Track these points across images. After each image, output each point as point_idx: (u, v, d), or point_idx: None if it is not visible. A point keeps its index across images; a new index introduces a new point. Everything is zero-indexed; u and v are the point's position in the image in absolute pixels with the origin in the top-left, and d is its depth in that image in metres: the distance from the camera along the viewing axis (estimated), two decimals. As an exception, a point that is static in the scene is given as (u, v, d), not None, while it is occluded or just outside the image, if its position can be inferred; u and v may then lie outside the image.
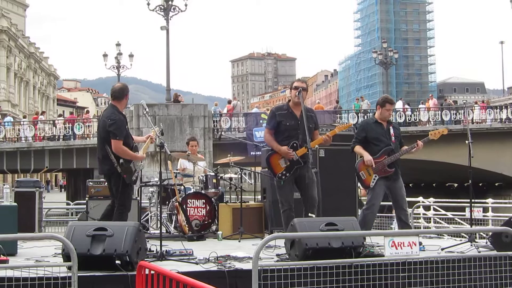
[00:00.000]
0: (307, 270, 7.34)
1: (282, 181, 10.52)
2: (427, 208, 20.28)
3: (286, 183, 10.54)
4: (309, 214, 10.16)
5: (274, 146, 10.62)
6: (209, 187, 13.62)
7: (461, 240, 11.39)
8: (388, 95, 11.83)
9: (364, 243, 9.50)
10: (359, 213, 13.30)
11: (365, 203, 11.65)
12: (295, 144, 10.44)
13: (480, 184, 47.15)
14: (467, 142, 11.53)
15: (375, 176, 11.16)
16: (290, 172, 10.47)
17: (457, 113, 44.12)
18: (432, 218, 19.90)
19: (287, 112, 10.69)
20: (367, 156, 11.13)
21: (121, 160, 10.09)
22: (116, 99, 10.51)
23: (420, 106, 48.55)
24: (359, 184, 12.38)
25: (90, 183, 14.02)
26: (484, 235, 12.24)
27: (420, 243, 9.18)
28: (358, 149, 11.39)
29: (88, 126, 41.89)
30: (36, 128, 41.68)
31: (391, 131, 11.42)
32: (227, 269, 8.41)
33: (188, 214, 12.79)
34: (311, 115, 10.79)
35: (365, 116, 41.57)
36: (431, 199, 21.24)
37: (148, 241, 9.75)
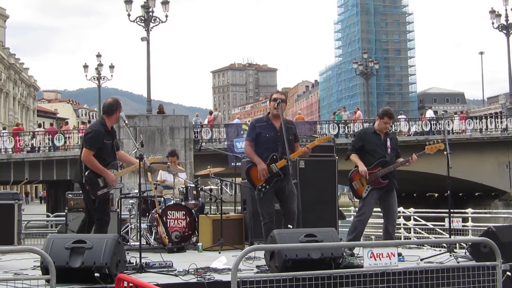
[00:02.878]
0: (286, 282, 7.33)
1: (262, 193, 10.53)
2: (407, 218, 20.37)
3: (267, 195, 10.52)
4: (288, 226, 10.17)
5: (254, 159, 10.62)
6: (189, 198, 13.61)
7: (440, 251, 11.42)
8: (390, 108, 11.77)
9: (344, 253, 9.53)
10: (339, 224, 13.38)
11: (357, 210, 11.71)
12: (274, 156, 10.44)
13: (460, 194, 47.31)
14: (445, 152, 11.57)
15: (368, 187, 11.23)
16: (270, 184, 10.46)
17: (437, 123, 44.24)
18: (412, 228, 19.97)
19: (267, 124, 10.70)
20: (362, 167, 11.17)
21: (87, 172, 10.15)
22: (105, 114, 10.61)
23: (400, 116, 48.72)
24: (339, 194, 12.41)
25: (70, 195, 13.98)
26: (464, 245, 12.30)
27: (400, 254, 9.20)
28: (354, 158, 11.40)
29: (69, 137, 41.67)
30: (16, 140, 41.43)
31: (388, 142, 11.47)
32: (206, 281, 8.40)
33: (168, 225, 12.77)
34: (291, 127, 10.80)
35: (346, 127, 41.74)
36: (411, 209, 21.33)
37: (127, 253, 9.74)
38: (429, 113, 47.94)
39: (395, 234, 17.04)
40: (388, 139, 11.52)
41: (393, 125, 44.67)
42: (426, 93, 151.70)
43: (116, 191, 12.28)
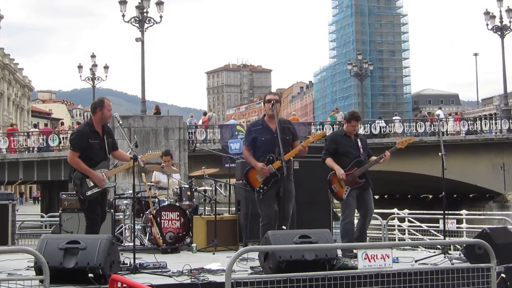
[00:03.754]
0: (280, 283, 7.33)
1: (261, 195, 10.52)
2: (401, 219, 20.36)
3: (266, 197, 10.52)
4: (282, 227, 10.15)
5: (251, 162, 10.64)
6: (183, 199, 13.59)
7: (435, 252, 11.42)
8: (356, 111, 12.15)
9: (346, 255, 9.56)
10: (333, 225, 13.38)
11: (340, 215, 11.78)
12: (271, 158, 10.43)
13: (455, 196, 47.36)
14: (440, 154, 11.59)
15: (347, 188, 11.43)
16: (268, 185, 10.45)
17: (432, 125, 44.28)
18: (406, 230, 19.97)
19: (262, 127, 10.72)
20: (339, 170, 11.38)
21: (75, 172, 10.33)
22: (91, 113, 10.61)
23: (394, 117, 48.79)
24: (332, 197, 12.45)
25: (64, 195, 13.94)
26: (458, 247, 12.30)
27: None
28: (329, 161, 11.62)
29: (63, 138, 41.58)
30: (10, 140, 41.36)
31: (359, 143, 11.71)
32: (200, 282, 8.39)
33: (162, 226, 12.75)
34: (288, 127, 10.80)
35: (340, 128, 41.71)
36: (406, 211, 21.32)
37: (121, 254, 9.71)
38: (439, 113, 48.02)
39: (389, 236, 17.12)
40: (358, 140, 11.77)
41: (387, 126, 44.82)
42: (420, 94, 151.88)
43: (110, 192, 12.25)
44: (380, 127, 44.40)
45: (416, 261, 10.42)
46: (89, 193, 10.24)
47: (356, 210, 11.78)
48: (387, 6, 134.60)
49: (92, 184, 10.24)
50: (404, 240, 19.14)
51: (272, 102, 10.53)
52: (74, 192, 10.69)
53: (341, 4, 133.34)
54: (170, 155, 15.20)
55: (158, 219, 12.72)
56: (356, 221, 12.04)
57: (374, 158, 11.71)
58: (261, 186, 10.48)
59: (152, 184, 14.65)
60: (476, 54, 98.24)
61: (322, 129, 42.72)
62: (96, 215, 10.39)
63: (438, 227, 17.49)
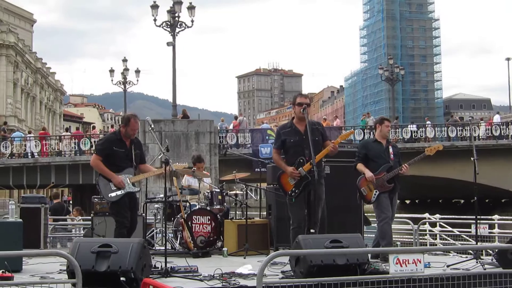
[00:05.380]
0: (311, 287, 7.32)
1: (293, 199, 10.52)
2: (433, 224, 20.22)
3: (297, 201, 10.52)
4: (311, 231, 10.13)
5: (281, 166, 10.69)
6: (214, 203, 13.60)
7: (467, 257, 11.35)
8: (384, 115, 12.38)
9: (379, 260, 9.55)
10: (364, 230, 13.38)
11: (374, 219, 11.91)
12: (301, 160, 10.43)
13: (487, 201, 47.09)
14: (472, 159, 11.55)
15: (376, 192, 11.64)
16: (299, 188, 10.44)
17: (463, 130, 44.05)
18: (438, 235, 19.84)
19: (291, 129, 10.73)
20: (369, 173, 11.64)
21: (99, 175, 10.90)
22: (122, 124, 11.08)
23: (426, 122, 48.58)
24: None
25: (96, 199, 13.98)
26: (490, 252, 12.21)
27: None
28: (360, 166, 11.87)
29: (95, 141, 41.79)
30: (42, 144, 41.67)
31: (390, 149, 11.94)
32: (231, 286, 8.40)
33: (193, 230, 12.76)
34: (317, 128, 10.78)
35: (371, 133, 41.59)
36: (437, 216, 21.17)
37: (153, 258, 9.77)
38: (496, 118, 47.87)
39: (420, 240, 17.05)
40: (390, 147, 12.02)
41: (418, 131, 44.64)
42: (452, 99, 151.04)
43: (141, 196, 12.34)
44: (412, 131, 44.26)
45: (448, 266, 10.35)
46: (111, 195, 10.55)
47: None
48: (419, 11, 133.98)
49: (114, 187, 10.50)
50: (436, 245, 19.02)
51: (304, 105, 10.56)
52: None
53: (372, 8, 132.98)
54: (203, 161, 15.20)
55: (189, 223, 12.74)
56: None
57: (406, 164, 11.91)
58: (293, 189, 10.49)
59: (184, 188, 14.67)
60: (508, 59, 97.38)
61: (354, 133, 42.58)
62: (123, 217, 10.60)
63: (470, 232, 17.34)
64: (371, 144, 12.11)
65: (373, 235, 12.23)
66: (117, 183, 10.64)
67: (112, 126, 66.67)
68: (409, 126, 45.78)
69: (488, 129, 45.23)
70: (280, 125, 12.08)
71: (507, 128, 45.66)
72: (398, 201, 12.11)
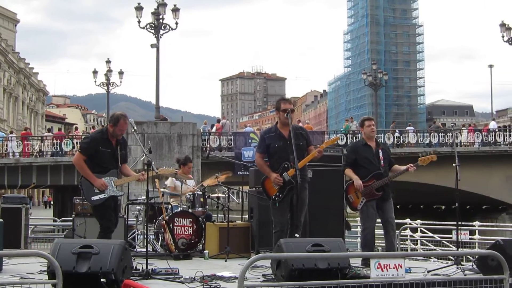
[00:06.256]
0: (292, 291, 7.33)
1: (277, 203, 10.52)
2: (414, 230, 20.31)
3: (281, 205, 10.51)
4: (295, 235, 10.14)
5: (265, 171, 10.67)
6: (196, 206, 13.60)
7: (447, 263, 11.39)
8: (364, 116, 12.13)
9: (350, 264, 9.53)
10: (346, 234, 13.39)
11: (357, 224, 11.86)
12: (286, 165, 10.43)
13: (468, 207, 47.22)
14: (454, 165, 11.56)
15: (363, 199, 11.40)
16: (283, 193, 10.44)
17: (445, 136, 44.18)
18: (419, 240, 19.92)
19: (275, 134, 10.71)
20: (357, 181, 11.33)
21: (81, 177, 10.52)
22: (110, 123, 10.74)
23: (408, 128, 48.71)
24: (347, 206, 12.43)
25: (77, 200, 13.96)
26: (471, 258, 12.26)
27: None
28: (349, 172, 11.59)
29: (77, 142, 41.62)
30: (24, 144, 41.48)
31: (380, 154, 11.62)
32: (212, 288, 8.40)
33: (175, 232, 12.75)
34: (301, 133, 10.78)
35: (354, 137, 41.64)
36: (418, 221, 21.29)
37: (134, 260, 9.74)
38: (492, 125, 48.01)
39: (401, 246, 17.06)
40: (380, 150, 11.69)
41: (401, 136, 44.75)
42: (434, 105, 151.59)
43: (122, 197, 12.29)
44: (394, 137, 44.39)
45: (428, 271, 10.39)
46: (94, 198, 10.31)
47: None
48: (403, 17, 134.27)
49: (97, 190, 10.30)
50: (417, 250, 19.09)
51: (288, 111, 10.55)
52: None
53: (357, 13, 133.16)
54: (191, 161, 15.13)
55: (171, 225, 12.73)
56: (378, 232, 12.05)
57: (397, 167, 11.71)
58: (277, 194, 10.48)
59: (165, 190, 14.62)
60: (491, 66, 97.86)
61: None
62: (108, 221, 10.41)
63: (451, 238, 17.42)
64: (360, 148, 11.71)
65: (355, 240, 12.25)
66: (98, 186, 10.34)
67: (93, 127, 66.33)
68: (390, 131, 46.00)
69: (470, 135, 45.43)
70: (264, 130, 12.05)
71: (488, 135, 45.75)
72: None
